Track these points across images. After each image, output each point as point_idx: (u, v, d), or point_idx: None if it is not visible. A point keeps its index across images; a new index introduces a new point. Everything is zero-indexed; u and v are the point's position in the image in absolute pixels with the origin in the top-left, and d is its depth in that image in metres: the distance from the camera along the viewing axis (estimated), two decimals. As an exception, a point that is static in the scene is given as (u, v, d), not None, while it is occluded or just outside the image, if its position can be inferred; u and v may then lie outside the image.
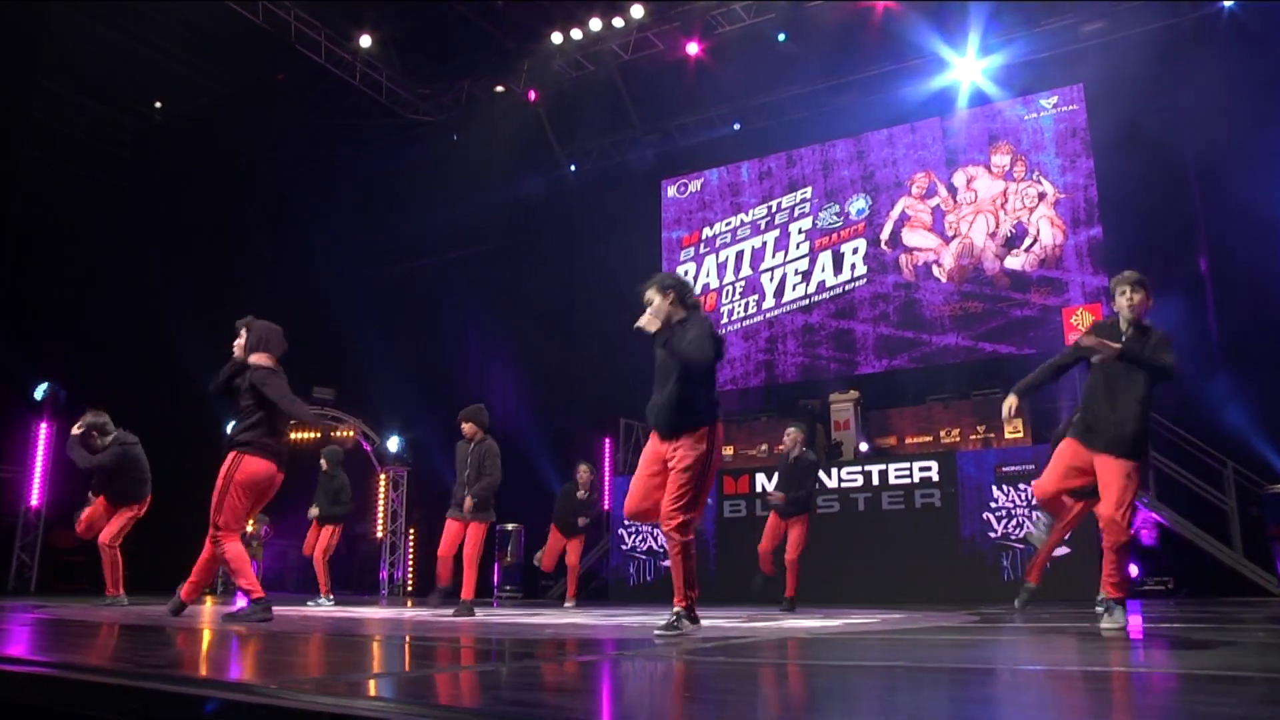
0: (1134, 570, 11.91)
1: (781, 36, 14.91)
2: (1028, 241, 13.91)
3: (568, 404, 15.48)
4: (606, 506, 14.08)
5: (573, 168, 17.53)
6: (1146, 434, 5.29)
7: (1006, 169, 14.22)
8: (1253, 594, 11.03)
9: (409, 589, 16.03)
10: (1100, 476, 5.16)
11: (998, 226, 14.15)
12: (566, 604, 10.85)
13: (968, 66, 14.50)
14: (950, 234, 14.46)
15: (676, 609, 5.08)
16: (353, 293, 16.06)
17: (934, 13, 14.19)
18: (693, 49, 15.26)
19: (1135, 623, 5.87)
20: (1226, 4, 13.18)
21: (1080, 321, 13.28)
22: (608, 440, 14.41)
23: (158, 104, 17.74)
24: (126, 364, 15.73)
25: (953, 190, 14.56)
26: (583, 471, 10.96)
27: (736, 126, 16.35)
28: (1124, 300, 5.23)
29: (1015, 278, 13.89)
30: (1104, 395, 5.23)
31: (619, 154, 17.17)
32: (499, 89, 16.29)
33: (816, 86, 15.57)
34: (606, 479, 14.10)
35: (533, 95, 16.42)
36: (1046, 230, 13.80)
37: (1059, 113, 14.02)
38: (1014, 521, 11.50)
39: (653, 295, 5.40)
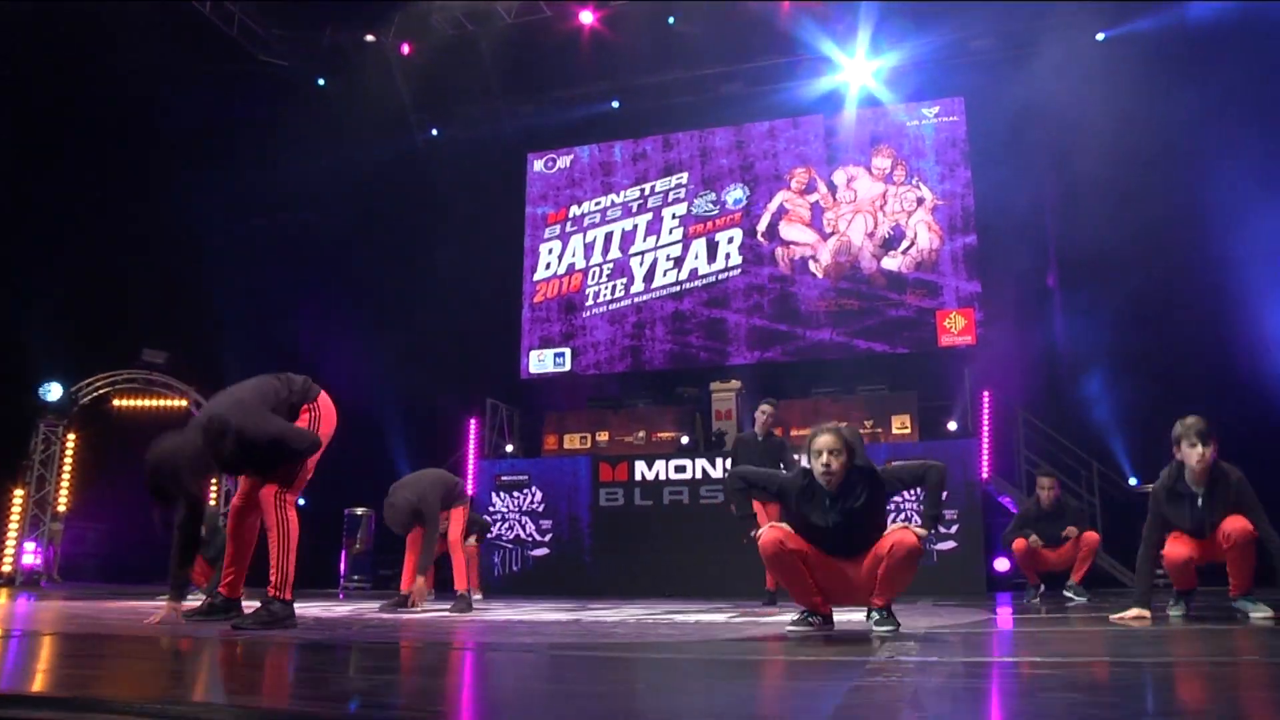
0: (1005, 565, 12.24)
1: (671, 20, 14.52)
2: (905, 244, 14.14)
3: (428, 383, 14.32)
4: (472, 491, 13.12)
5: (434, 131, 16.45)
6: None
7: (887, 172, 14.44)
8: (1111, 585, 11.52)
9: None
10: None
11: (876, 227, 14.32)
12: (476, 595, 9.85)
13: (855, 68, 14.65)
14: (828, 231, 14.51)
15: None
16: (194, 247, 14.30)
17: (826, 13, 14.23)
18: (587, 18, 14.63)
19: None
20: (1099, 36, 13.93)
21: (953, 324, 13.64)
22: (473, 421, 13.44)
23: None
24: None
25: (833, 188, 14.64)
26: None
27: (615, 104, 15.81)
28: (1194, 454, 5.15)
29: (891, 278, 14.08)
30: None
31: (487, 122, 16.23)
32: (369, 38, 15.00)
33: (702, 72, 15.32)
34: (471, 462, 13.12)
35: (406, 49, 15.25)
36: (924, 234, 14.08)
37: (940, 122, 14.38)
38: (902, 515, 11.48)
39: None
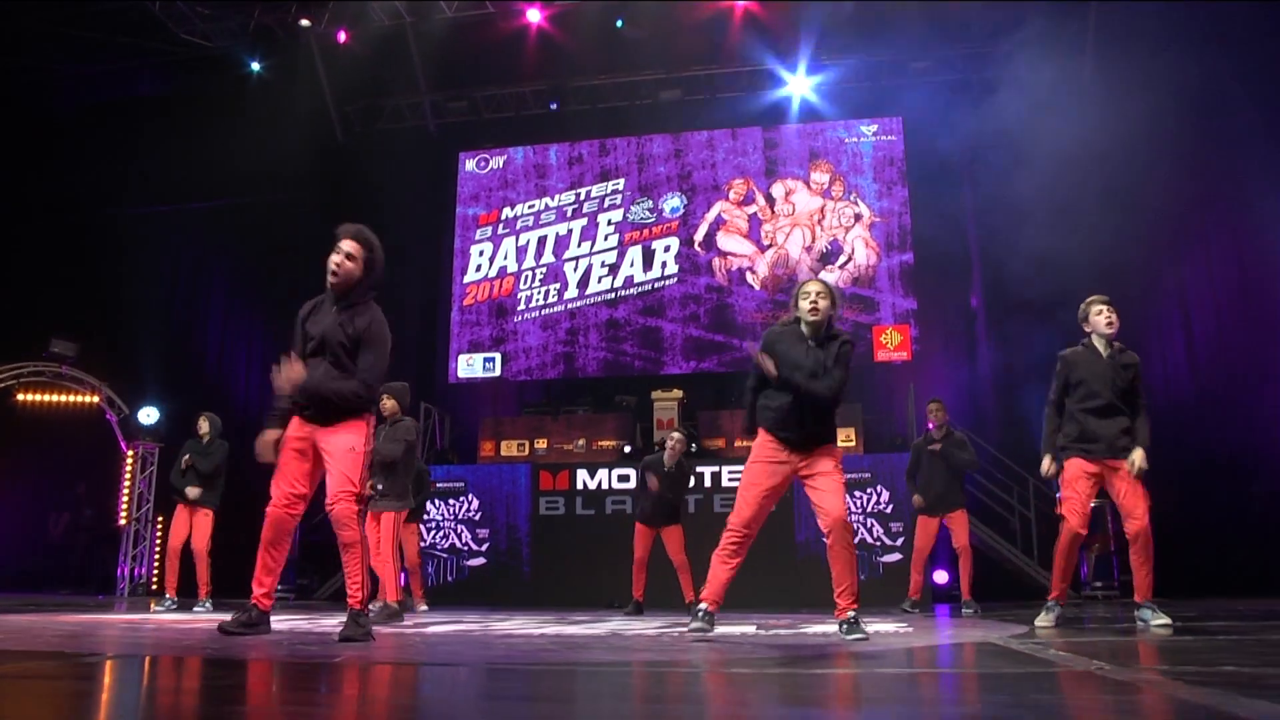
0: (944, 577, 12.38)
1: (620, 22, 14.35)
2: (842, 259, 14.25)
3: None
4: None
5: (364, 123, 15.83)
6: None
7: (825, 187, 14.54)
8: (1041, 598, 11.75)
9: (152, 588, 13.44)
10: None
11: (814, 241, 14.39)
12: (420, 606, 9.45)
13: (796, 83, 14.74)
14: (766, 243, 14.52)
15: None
16: (109, 232, 13.43)
17: (769, 26, 14.27)
18: (534, 16, 14.34)
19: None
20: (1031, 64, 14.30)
21: (889, 340, 13.79)
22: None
23: None
24: None
25: (771, 200, 14.66)
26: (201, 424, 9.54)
27: (554, 106, 15.52)
28: (1101, 320, 5.84)
29: (828, 292, 14.13)
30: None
31: (419, 117, 15.73)
32: (304, 22, 14.34)
33: (641, 77, 15.17)
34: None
35: (343, 36, 14.65)
36: (861, 250, 14.22)
37: (878, 140, 14.56)
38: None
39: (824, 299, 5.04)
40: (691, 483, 10.49)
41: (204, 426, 9.27)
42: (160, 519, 13.73)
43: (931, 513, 9.34)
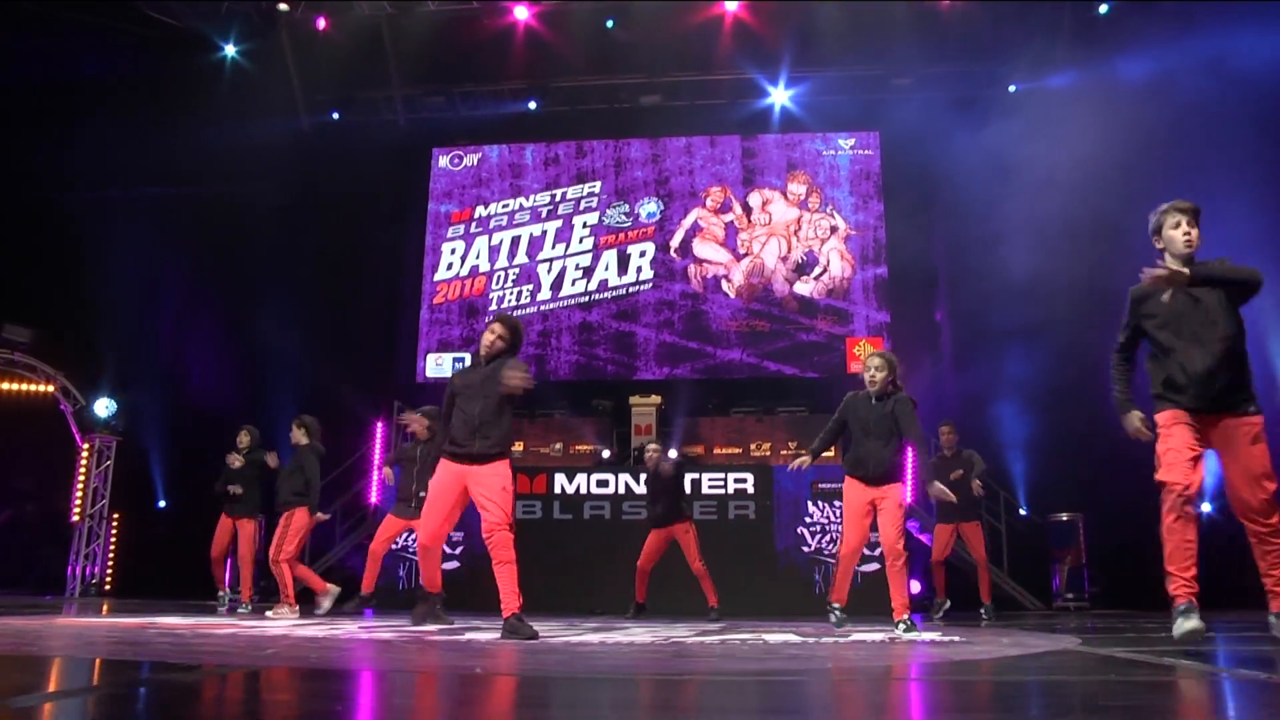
0: (916, 587, 12.50)
1: (610, 23, 14.27)
2: (818, 270, 14.33)
3: (327, 380, 13.38)
4: (376, 500, 12.38)
5: (336, 114, 15.50)
6: None
7: (802, 198, 14.61)
8: (1011, 608, 11.95)
9: (105, 589, 12.95)
10: None
11: (789, 251, 14.45)
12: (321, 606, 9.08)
13: (777, 93, 14.81)
14: (742, 251, 14.54)
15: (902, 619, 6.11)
16: (67, 217, 12.92)
17: (757, 34, 14.31)
18: (522, 13, 14.19)
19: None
20: (1011, 88, 14.57)
21: (862, 352, 13.88)
22: (380, 424, 12.69)
23: None
24: None
25: (748, 209, 14.69)
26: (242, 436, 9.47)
27: (533, 105, 15.36)
28: (1178, 234, 4.43)
29: (803, 303, 14.23)
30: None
31: (394, 110, 15.46)
32: (282, 6, 13.98)
33: (622, 80, 15.09)
34: (377, 467, 12.39)
35: (322, 24, 14.32)
36: (836, 262, 14.31)
37: (855, 154, 14.69)
38: (828, 537, 11.57)
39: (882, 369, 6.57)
40: (688, 488, 10.52)
41: (244, 440, 9.23)
42: (117, 516, 13.27)
43: (948, 520, 9.57)
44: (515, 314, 14.58)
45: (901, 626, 6.05)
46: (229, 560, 9.70)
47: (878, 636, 5.69)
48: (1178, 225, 4.41)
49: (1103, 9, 13.82)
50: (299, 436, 8.70)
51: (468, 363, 14.25)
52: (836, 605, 6.67)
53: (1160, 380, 4.50)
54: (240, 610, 8.83)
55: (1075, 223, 12.28)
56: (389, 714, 2.40)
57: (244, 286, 14.32)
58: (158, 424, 13.29)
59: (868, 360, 6.71)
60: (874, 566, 11.48)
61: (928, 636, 5.85)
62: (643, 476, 10.28)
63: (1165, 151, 12.71)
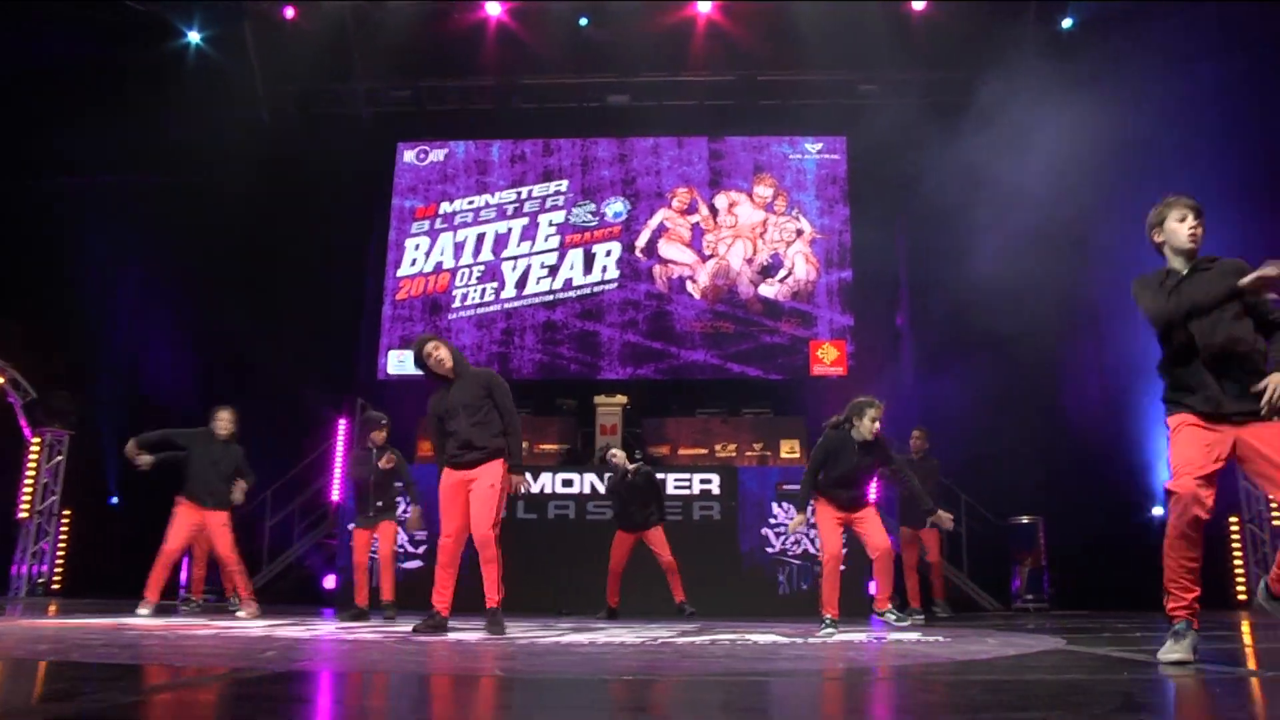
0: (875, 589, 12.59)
1: (584, 21, 14.23)
2: (783, 273, 14.40)
3: (289, 374, 13.18)
4: (338, 499, 12.24)
5: (301, 106, 15.28)
6: None
7: (768, 201, 14.68)
8: (970, 609, 12.11)
9: (53, 588, 12.61)
10: None
11: (755, 254, 14.51)
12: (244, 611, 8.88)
13: (742, 96, 14.86)
14: (708, 253, 14.58)
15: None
16: (24, 202, 12.61)
17: (729, 35, 14.34)
18: (494, 9, 14.09)
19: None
20: (979, 98, 14.69)
21: (826, 355, 14.00)
22: (343, 421, 12.54)
23: None
24: None
25: (714, 211, 14.73)
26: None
27: (503, 103, 15.25)
28: (1183, 227, 4.17)
29: (768, 305, 14.29)
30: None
31: (360, 103, 15.27)
32: (249, -7, 13.77)
33: (590, 80, 15.05)
34: (339, 466, 12.25)
35: (290, 13, 14.10)
36: (801, 265, 14.39)
37: (822, 158, 14.79)
38: (792, 538, 11.62)
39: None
40: (594, 481, 10.60)
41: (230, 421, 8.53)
42: (68, 513, 12.95)
43: (910, 524, 9.70)
44: (479, 311, 14.53)
45: (891, 616, 7.10)
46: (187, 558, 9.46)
47: (862, 637, 5.73)
48: (1183, 219, 4.17)
49: (1066, 23, 14.05)
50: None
51: (407, 360, 14.24)
52: (829, 616, 6.69)
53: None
54: (192, 607, 8.72)
55: (1040, 233, 12.43)
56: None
57: (203, 278, 14.06)
58: (113, 418, 12.97)
59: (867, 409, 6.90)
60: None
61: (913, 635, 5.90)
62: (607, 477, 10.26)
63: (1129, 165, 12.95)
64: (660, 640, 5.20)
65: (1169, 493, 3.91)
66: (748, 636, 5.53)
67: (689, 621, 8.49)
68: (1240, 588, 13.13)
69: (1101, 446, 13.26)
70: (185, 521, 8.05)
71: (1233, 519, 13.41)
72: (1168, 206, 4.22)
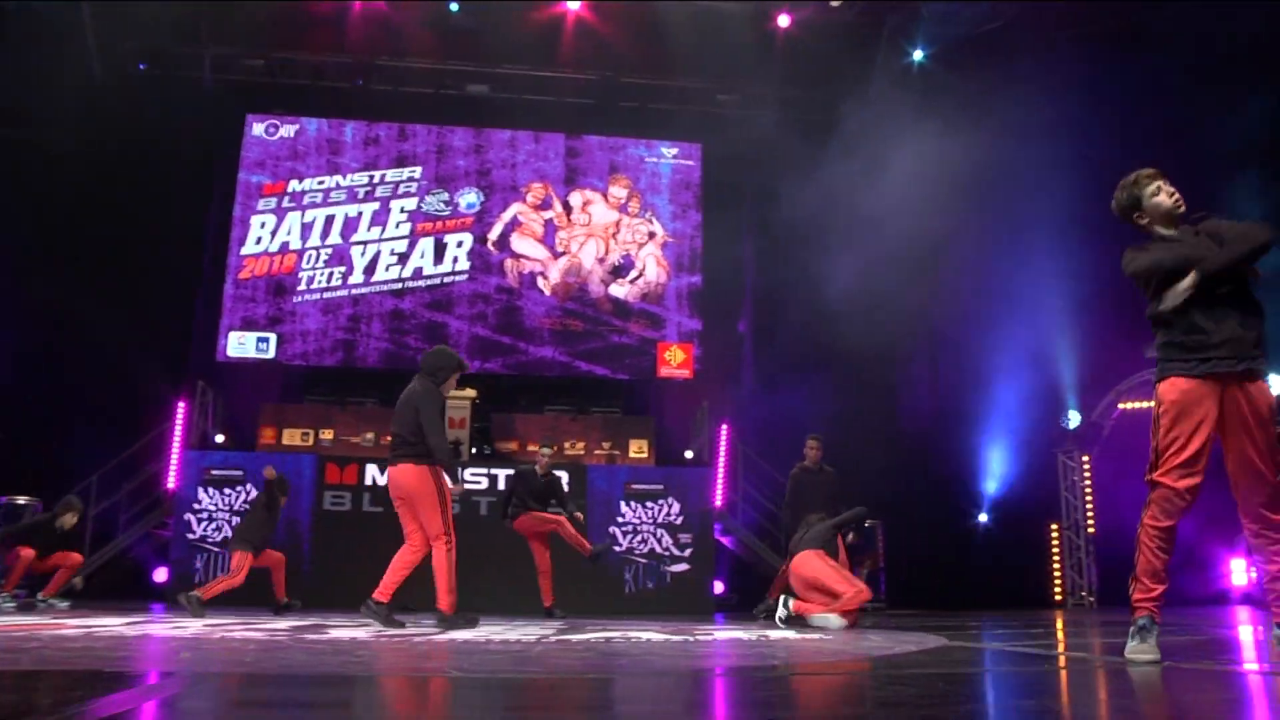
0: (720, 588, 13.10)
1: (455, 7, 14.07)
2: (634, 274, 14.70)
3: (122, 351, 12.58)
4: (174, 486, 11.85)
5: (142, 67, 14.52)
6: None
7: (623, 202, 14.93)
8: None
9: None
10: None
11: (607, 253, 14.75)
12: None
13: (604, 96, 15.03)
14: (560, 250, 14.72)
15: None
16: None
17: (592, 36, 14.46)
18: (364, -11, 13.79)
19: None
20: (834, 119, 15.23)
21: (673, 357, 14.40)
22: (182, 404, 12.10)
23: None
24: None
25: (568, 208, 14.87)
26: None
27: (360, 82, 14.92)
28: (1164, 195, 4.02)
29: (618, 305, 14.57)
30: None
31: (198, 69, 14.61)
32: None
33: (450, 67, 14.90)
34: (175, 451, 11.85)
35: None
36: (652, 268, 14.72)
37: (677, 164, 15.12)
38: (639, 537, 12.00)
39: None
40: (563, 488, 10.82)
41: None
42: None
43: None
44: (326, 296, 14.26)
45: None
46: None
47: (752, 635, 6.02)
48: (1157, 190, 4.01)
49: (917, 55, 14.80)
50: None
51: (272, 344, 13.96)
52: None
53: None
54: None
55: (889, 255, 13.03)
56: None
57: (28, 245, 13.27)
58: None
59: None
60: (683, 567, 12.04)
61: (794, 634, 6.23)
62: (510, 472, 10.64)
63: (976, 195, 13.71)
64: (563, 639, 5.35)
65: (1156, 484, 3.83)
66: (631, 634, 5.78)
67: (558, 620, 8.77)
68: (1057, 589, 14.39)
69: (935, 458, 14.18)
70: None
71: (1053, 525, 14.65)
72: (1135, 185, 4.08)
